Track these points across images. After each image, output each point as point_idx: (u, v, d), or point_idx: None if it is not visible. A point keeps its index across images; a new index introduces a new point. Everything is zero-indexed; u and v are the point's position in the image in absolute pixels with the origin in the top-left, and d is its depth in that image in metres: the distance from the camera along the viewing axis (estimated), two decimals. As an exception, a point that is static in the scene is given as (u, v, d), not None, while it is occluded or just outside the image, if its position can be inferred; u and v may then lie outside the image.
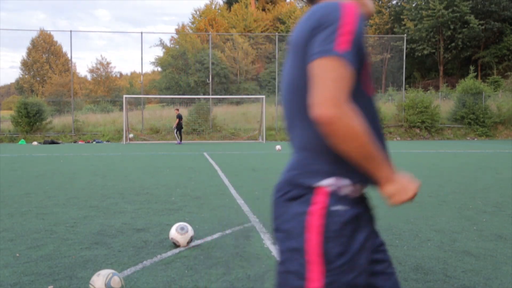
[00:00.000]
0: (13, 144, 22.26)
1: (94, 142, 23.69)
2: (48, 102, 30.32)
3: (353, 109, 1.11)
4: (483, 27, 36.40)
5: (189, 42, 40.70)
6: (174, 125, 21.39)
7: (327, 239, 1.18)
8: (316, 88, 1.11)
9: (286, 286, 1.22)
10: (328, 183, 1.21)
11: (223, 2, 55.58)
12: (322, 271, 1.17)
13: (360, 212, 1.24)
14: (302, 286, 1.18)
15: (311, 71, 1.13)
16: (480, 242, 3.92)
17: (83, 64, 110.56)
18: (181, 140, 21.56)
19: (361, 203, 1.26)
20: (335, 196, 1.20)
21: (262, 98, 24.39)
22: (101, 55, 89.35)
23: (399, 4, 43.52)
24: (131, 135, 23.00)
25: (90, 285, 2.68)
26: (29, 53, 50.24)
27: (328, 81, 1.10)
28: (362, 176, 1.22)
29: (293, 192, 1.24)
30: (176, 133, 21.41)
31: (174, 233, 3.76)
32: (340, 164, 1.21)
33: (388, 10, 43.68)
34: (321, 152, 1.22)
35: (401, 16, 40.35)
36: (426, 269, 3.20)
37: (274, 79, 29.19)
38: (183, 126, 21.76)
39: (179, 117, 21.19)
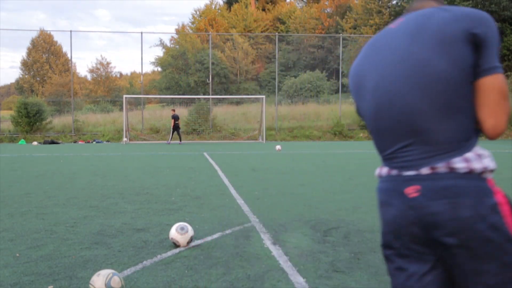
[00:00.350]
0: (13, 144, 22.26)
1: (94, 142, 23.70)
2: (48, 102, 30.33)
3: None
4: (483, 27, 36.39)
5: (189, 42, 40.70)
6: (172, 125, 21.43)
7: None
8: (496, 107, 1.23)
9: None
10: (488, 168, 1.26)
11: (223, 2, 55.57)
12: None
13: None
14: None
15: (487, 85, 1.23)
16: (480, 242, 3.92)
17: (83, 64, 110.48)
18: (180, 140, 21.59)
19: None
20: (495, 182, 1.27)
21: (262, 98, 24.40)
22: (101, 55, 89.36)
23: (399, 4, 43.52)
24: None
25: (90, 285, 2.68)
26: (29, 53, 50.22)
27: (504, 99, 1.23)
28: None
29: (472, 186, 1.23)
30: (173, 133, 21.44)
31: (174, 233, 3.76)
32: (485, 148, 1.32)
33: (388, 10, 43.69)
34: (471, 140, 1.28)
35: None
36: (426, 269, 3.20)
37: (274, 79, 29.19)
38: (179, 126, 21.71)
39: (175, 117, 21.04)
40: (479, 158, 1.25)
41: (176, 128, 21.11)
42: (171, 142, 21.77)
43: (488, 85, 1.22)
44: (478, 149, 1.27)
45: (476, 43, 1.22)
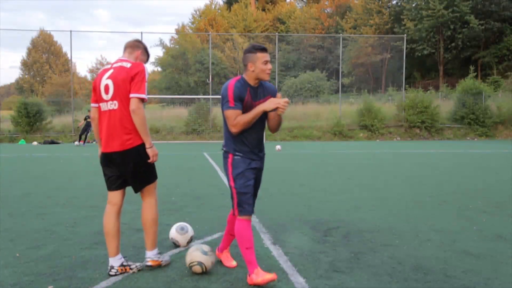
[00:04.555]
0: (13, 144, 22.26)
1: (94, 143, 23.68)
2: (48, 102, 30.32)
3: None
4: (483, 27, 36.38)
5: (189, 42, 40.70)
6: (84, 125, 21.61)
7: None
8: None
9: None
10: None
11: (223, 2, 55.58)
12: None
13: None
14: None
15: None
16: (480, 242, 3.91)
17: (83, 64, 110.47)
18: (84, 142, 21.83)
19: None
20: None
21: (262, 98, 24.35)
22: (101, 55, 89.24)
23: (399, 4, 43.52)
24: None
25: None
26: (29, 53, 50.23)
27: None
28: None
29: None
30: (83, 134, 21.55)
31: (174, 233, 3.76)
32: None
33: (388, 10, 43.67)
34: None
35: (401, 16, 40.32)
36: (426, 269, 3.20)
37: (274, 79, 29.19)
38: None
39: (88, 118, 21.88)
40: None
41: (87, 128, 21.66)
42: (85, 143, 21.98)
43: None
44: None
45: None
